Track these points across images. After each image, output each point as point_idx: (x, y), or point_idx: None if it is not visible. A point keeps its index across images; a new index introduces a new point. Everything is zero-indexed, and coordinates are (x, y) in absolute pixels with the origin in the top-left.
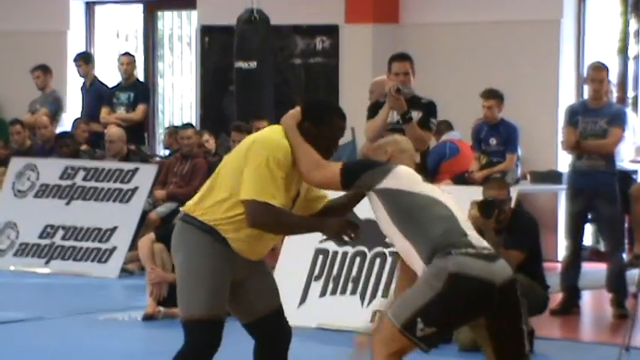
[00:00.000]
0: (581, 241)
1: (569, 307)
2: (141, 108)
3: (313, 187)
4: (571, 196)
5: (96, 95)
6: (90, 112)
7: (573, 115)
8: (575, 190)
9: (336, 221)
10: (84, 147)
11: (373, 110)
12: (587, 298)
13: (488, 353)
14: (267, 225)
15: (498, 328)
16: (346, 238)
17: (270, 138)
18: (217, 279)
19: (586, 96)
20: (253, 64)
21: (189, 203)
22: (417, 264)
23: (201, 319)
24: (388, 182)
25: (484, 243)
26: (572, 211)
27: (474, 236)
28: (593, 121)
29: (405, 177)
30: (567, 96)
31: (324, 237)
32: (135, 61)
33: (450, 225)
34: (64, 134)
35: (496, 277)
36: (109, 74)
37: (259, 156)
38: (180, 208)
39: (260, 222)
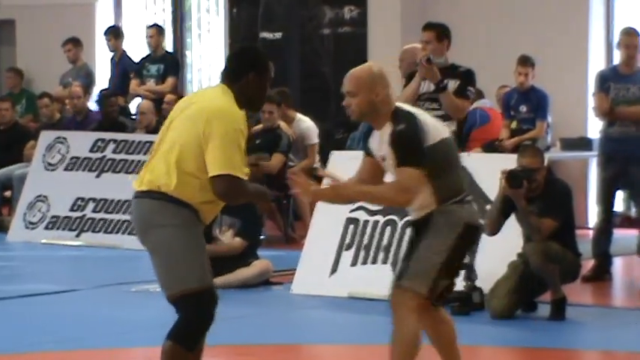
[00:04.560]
0: (613, 207)
1: (601, 274)
2: (170, 81)
3: None
4: (603, 162)
5: (123, 70)
6: (117, 87)
7: (604, 81)
8: (607, 156)
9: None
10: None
11: (409, 80)
12: (618, 265)
13: None
14: (235, 199)
15: None
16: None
17: (225, 108)
18: (200, 250)
19: (616, 62)
20: (278, 35)
21: (149, 180)
22: (421, 198)
23: (199, 291)
24: (429, 140)
25: None
26: (604, 177)
27: None
28: (624, 87)
29: (430, 126)
30: (597, 62)
31: (354, 206)
32: (162, 32)
33: (461, 170)
34: (109, 95)
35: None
36: (137, 47)
37: (222, 129)
38: (134, 184)
39: (231, 197)
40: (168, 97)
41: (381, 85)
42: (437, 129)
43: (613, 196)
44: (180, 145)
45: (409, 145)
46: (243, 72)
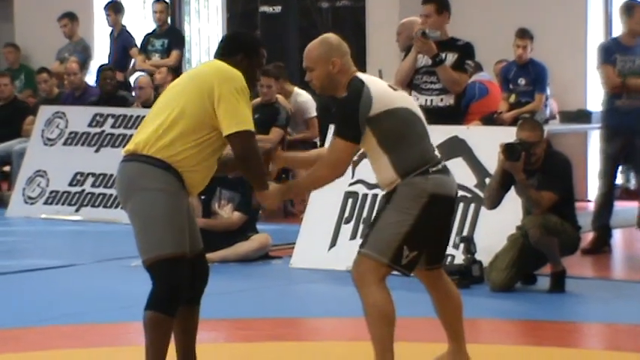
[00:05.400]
0: (615, 181)
1: (601, 246)
2: (174, 54)
3: None
4: (608, 136)
5: (122, 45)
6: (116, 62)
7: (610, 53)
8: (612, 129)
9: (279, 198)
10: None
11: (408, 53)
12: (617, 237)
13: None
14: (251, 155)
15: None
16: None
17: (228, 69)
18: (180, 216)
19: (615, 33)
20: (278, 9)
21: (137, 142)
22: (384, 173)
23: (173, 257)
24: (373, 110)
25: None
26: (609, 151)
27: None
28: (630, 59)
29: (378, 96)
30: (595, 34)
31: (353, 180)
32: (168, 7)
33: (426, 140)
34: (106, 68)
35: (455, 189)
36: (135, 21)
37: (228, 89)
38: (123, 150)
39: (248, 152)
40: (161, 69)
41: (337, 55)
42: (386, 98)
43: (616, 170)
44: (181, 106)
45: (343, 116)
46: (233, 52)
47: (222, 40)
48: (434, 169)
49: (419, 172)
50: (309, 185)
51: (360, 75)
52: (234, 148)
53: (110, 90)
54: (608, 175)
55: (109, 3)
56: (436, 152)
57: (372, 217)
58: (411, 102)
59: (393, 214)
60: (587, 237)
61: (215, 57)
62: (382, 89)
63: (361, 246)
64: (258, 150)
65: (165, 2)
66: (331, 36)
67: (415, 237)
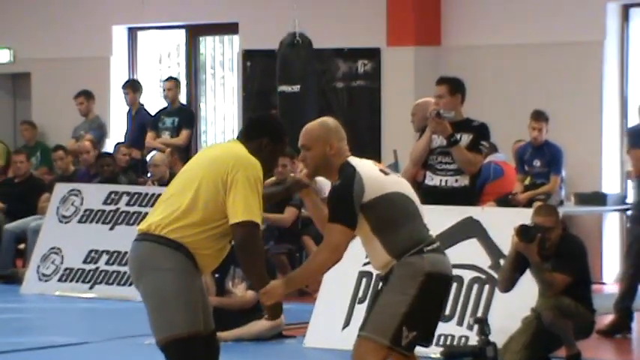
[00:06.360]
0: None
1: (621, 329)
2: (184, 133)
3: None
4: (638, 218)
5: (139, 124)
6: (133, 140)
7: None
8: None
9: (280, 300)
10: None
11: (422, 134)
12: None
13: None
14: (251, 247)
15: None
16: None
17: (245, 157)
18: (194, 295)
19: (630, 115)
20: (297, 88)
21: (150, 223)
22: (378, 256)
23: (188, 336)
24: (365, 197)
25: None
26: (639, 234)
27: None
28: None
29: (370, 182)
30: (611, 116)
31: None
32: (179, 85)
33: (418, 220)
34: (105, 154)
35: (450, 269)
36: (151, 99)
37: (244, 177)
38: (137, 229)
39: (248, 243)
40: (167, 150)
41: (336, 138)
42: (378, 184)
43: None
44: (197, 187)
45: (338, 202)
46: (258, 135)
47: (247, 121)
48: (429, 248)
49: (414, 251)
50: (310, 273)
51: (353, 160)
52: (235, 237)
53: (109, 176)
54: (636, 258)
55: (127, 82)
56: (430, 232)
57: (371, 299)
58: (403, 184)
59: (391, 295)
60: (604, 319)
61: (238, 137)
62: (373, 175)
63: (360, 328)
64: (259, 243)
65: (177, 80)
66: (330, 119)
67: (414, 317)
